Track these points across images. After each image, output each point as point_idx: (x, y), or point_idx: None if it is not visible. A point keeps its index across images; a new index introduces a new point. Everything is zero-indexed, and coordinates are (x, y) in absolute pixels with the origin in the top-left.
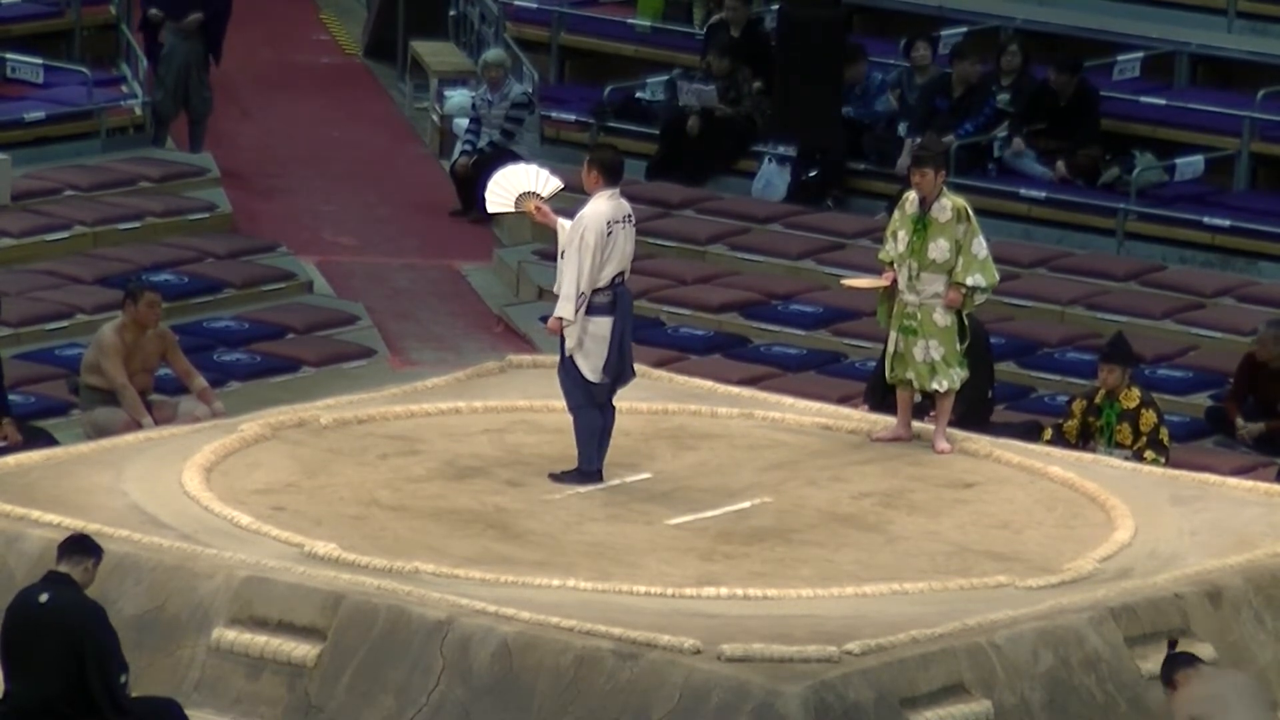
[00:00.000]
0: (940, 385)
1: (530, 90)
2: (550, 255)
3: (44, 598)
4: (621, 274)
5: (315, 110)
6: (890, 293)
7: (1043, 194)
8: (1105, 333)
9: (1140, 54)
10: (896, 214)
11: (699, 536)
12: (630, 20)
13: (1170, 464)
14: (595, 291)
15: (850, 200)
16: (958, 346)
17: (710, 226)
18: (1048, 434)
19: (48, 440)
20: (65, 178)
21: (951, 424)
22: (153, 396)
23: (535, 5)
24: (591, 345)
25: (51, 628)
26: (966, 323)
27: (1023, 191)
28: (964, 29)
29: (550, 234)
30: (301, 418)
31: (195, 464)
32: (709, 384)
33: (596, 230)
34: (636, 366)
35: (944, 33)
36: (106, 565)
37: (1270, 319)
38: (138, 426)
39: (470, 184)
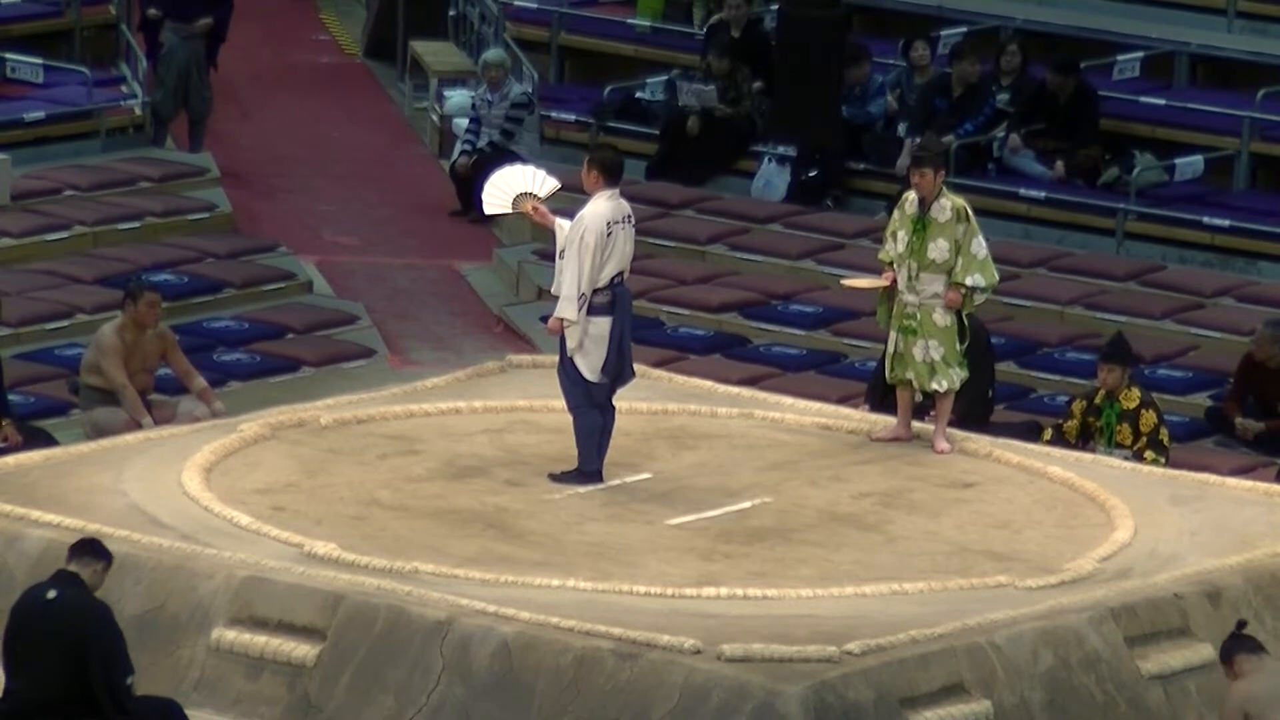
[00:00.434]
0: (940, 385)
1: (530, 90)
2: (550, 255)
3: (51, 594)
4: (621, 274)
5: (315, 110)
6: (890, 293)
7: (1042, 194)
8: (1105, 333)
9: (1140, 54)
10: (896, 214)
11: (699, 536)
12: (630, 20)
13: (1170, 464)
14: (595, 291)
15: (850, 200)
16: (958, 346)
17: (710, 226)
18: (1048, 434)
19: (48, 440)
20: (65, 178)
21: (951, 424)
22: (153, 396)
23: (535, 5)
24: (591, 345)
25: (57, 625)
26: (966, 323)
27: (1022, 191)
28: (964, 29)
29: (550, 234)
30: (301, 418)
31: (195, 464)
32: (709, 384)
33: (596, 231)
34: (636, 366)
35: (943, 33)
36: None
37: (1267, 319)
38: (138, 426)
39: (470, 184)
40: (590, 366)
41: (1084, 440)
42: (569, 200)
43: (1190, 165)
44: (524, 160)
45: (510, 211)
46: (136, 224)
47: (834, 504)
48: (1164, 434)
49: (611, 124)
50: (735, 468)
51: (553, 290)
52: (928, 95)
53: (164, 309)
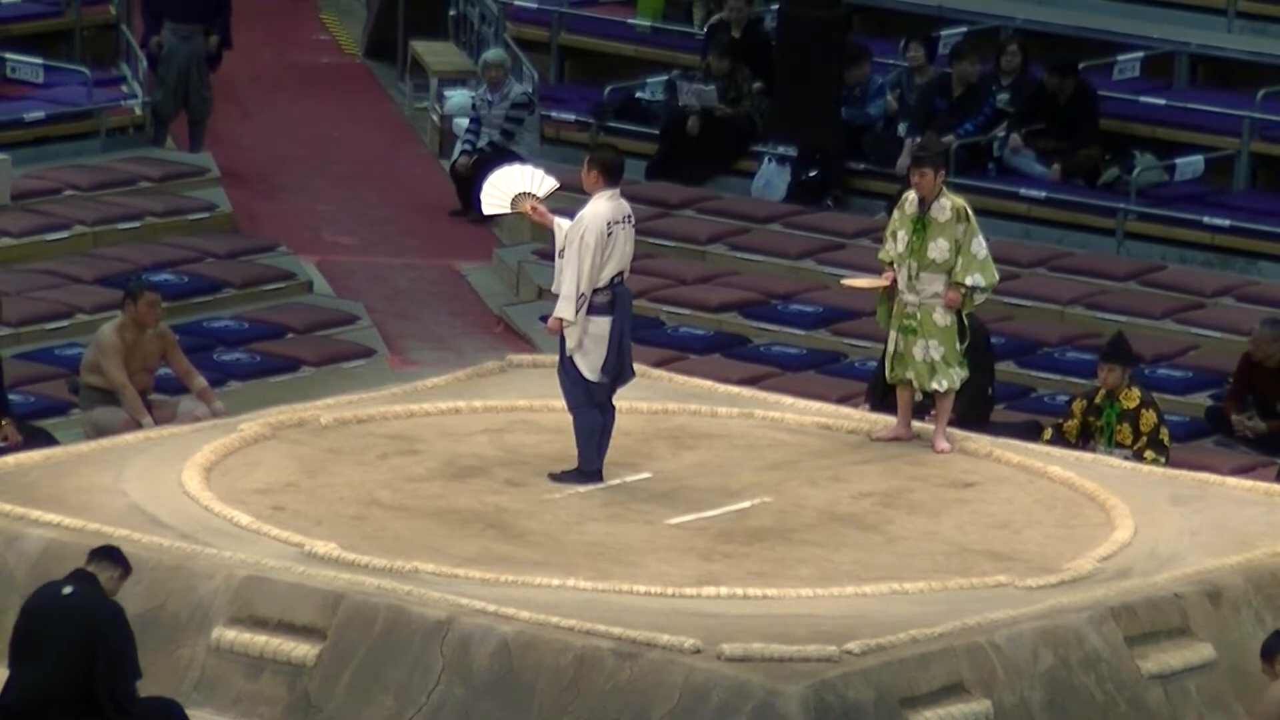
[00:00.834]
0: (940, 385)
1: (530, 90)
2: (550, 255)
3: (68, 590)
4: (621, 274)
5: (315, 110)
6: (890, 293)
7: (1042, 194)
8: (1105, 333)
9: (1140, 54)
10: (896, 214)
11: (699, 536)
12: (630, 20)
13: (1170, 464)
14: (595, 291)
15: (850, 200)
16: (958, 346)
17: (710, 226)
18: (1048, 434)
19: (48, 440)
20: (65, 178)
21: (951, 424)
22: (153, 396)
23: (535, 5)
24: (591, 345)
25: (70, 620)
26: (966, 322)
27: (1022, 191)
28: (964, 29)
29: (549, 234)
30: (301, 418)
31: (195, 464)
32: (709, 384)
33: (597, 231)
34: (636, 366)
35: (944, 33)
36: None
37: (1265, 318)
38: (138, 426)
39: (470, 184)
40: (590, 366)
41: (1084, 440)
42: (569, 200)
43: (1190, 165)
44: (524, 160)
45: (509, 211)
46: (136, 224)
47: (834, 504)
48: (1164, 434)
49: (611, 124)
50: (735, 467)
51: (553, 290)
52: (928, 95)
53: (164, 309)
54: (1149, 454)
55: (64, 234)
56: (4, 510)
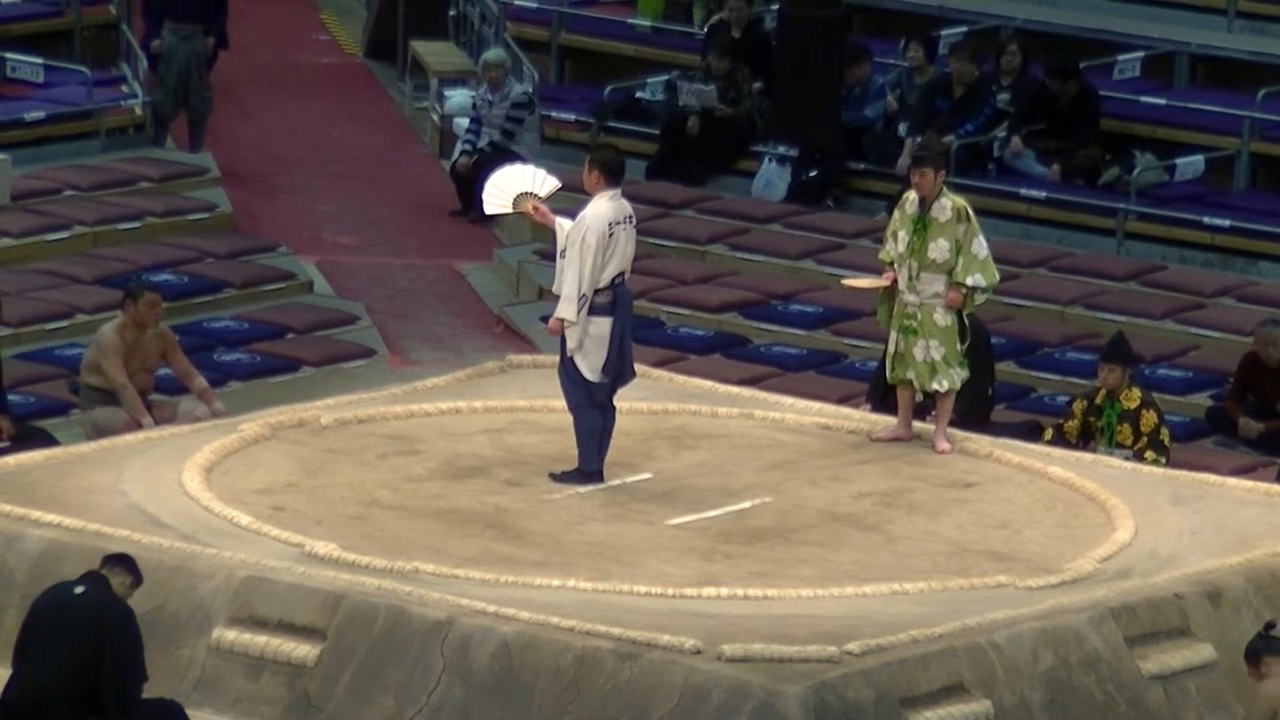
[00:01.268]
0: (940, 385)
1: (530, 90)
2: (550, 255)
3: (79, 589)
4: (622, 274)
5: (315, 110)
6: (890, 293)
7: (1042, 194)
8: (1105, 333)
9: (1140, 54)
10: (896, 214)
11: (699, 536)
12: (630, 20)
13: (1170, 464)
14: (596, 292)
15: (850, 200)
16: (958, 346)
17: (710, 226)
18: (1048, 434)
19: (48, 440)
20: (65, 178)
21: (952, 424)
22: (153, 396)
23: (535, 5)
24: (591, 345)
25: (80, 619)
26: (967, 323)
27: (1022, 191)
28: (964, 29)
29: (550, 234)
30: (301, 418)
31: (195, 464)
32: (709, 384)
33: (598, 231)
34: (636, 366)
35: (944, 33)
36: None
37: (1266, 318)
38: (138, 426)
39: (470, 184)
40: (591, 366)
41: (1084, 440)
42: (569, 200)
43: (1190, 165)
44: (524, 160)
45: (510, 211)
46: (136, 224)
47: (834, 504)
48: (1164, 434)
49: (612, 124)
50: (735, 468)
51: (554, 290)
52: (928, 95)
53: (164, 309)
54: (1149, 454)
55: (64, 234)
56: (4, 510)
